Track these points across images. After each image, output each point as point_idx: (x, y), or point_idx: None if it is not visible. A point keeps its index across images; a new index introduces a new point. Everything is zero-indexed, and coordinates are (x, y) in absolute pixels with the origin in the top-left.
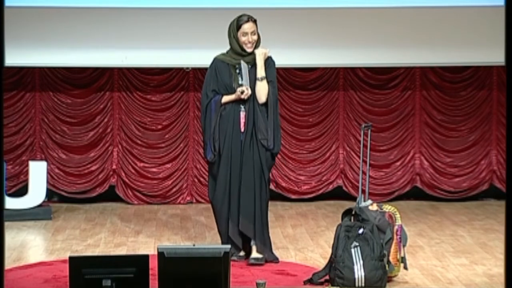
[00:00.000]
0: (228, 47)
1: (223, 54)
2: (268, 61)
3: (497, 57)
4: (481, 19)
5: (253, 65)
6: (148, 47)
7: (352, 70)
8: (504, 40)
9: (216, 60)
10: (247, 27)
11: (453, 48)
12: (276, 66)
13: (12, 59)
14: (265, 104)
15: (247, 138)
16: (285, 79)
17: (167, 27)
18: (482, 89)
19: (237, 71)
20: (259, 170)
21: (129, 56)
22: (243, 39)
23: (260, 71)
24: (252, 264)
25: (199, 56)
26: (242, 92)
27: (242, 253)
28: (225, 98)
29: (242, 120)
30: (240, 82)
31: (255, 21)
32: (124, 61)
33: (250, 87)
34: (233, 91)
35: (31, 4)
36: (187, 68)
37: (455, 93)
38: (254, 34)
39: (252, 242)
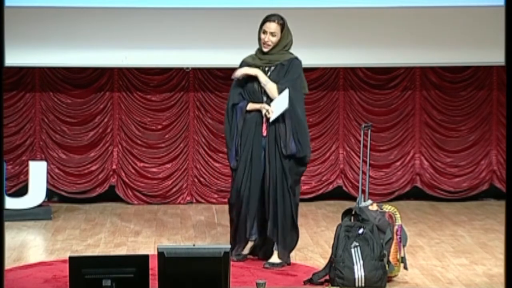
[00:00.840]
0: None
1: (251, 56)
2: (291, 63)
3: (497, 57)
4: (481, 19)
5: (275, 66)
6: (148, 47)
7: (352, 70)
8: (504, 40)
9: (243, 62)
10: (268, 26)
11: (453, 48)
12: None
13: (12, 59)
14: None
15: (271, 143)
16: None
17: (167, 27)
18: (482, 89)
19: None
20: (280, 176)
21: (129, 56)
22: (262, 36)
23: (261, 79)
24: (267, 268)
25: (199, 56)
26: (267, 111)
27: (246, 251)
28: (250, 106)
29: (264, 125)
30: (262, 85)
31: (282, 24)
32: (124, 61)
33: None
34: (255, 94)
35: (31, 4)
36: (187, 68)
37: (455, 93)
38: (274, 35)
39: (275, 247)
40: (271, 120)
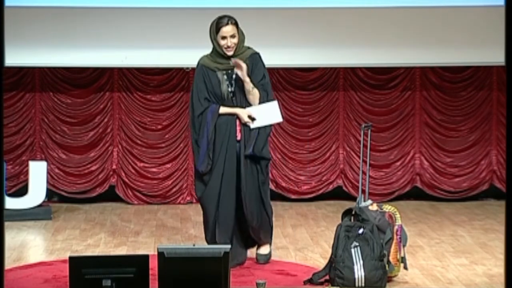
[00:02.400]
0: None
1: (207, 57)
2: (254, 59)
3: (497, 57)
4: (481, 19)
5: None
6: (148, 47)
7: (352, 70)
8: (504, 40)
9: (202, 66)
10: (226, 30)
11: (453, 48)
12: (276, 66)
13: (12, 59)
14: None
15: (246, 147)
16: (285, 79)
17: (167, 27)
18: (482, 89)
19: (225, 77)
20: (256, 179)
21: (129, 56)
22: (222, 42)
23: (247, 86)
24: (260, 263)
25: (199, 56)
26: (250, 118)
27: None
28: (223, 110)
29: (238, 128)
30: (230, 89)
31: (235, 23)
32: (124, 61)
33: (237, 90)
34: (223, 99)
35: (31, 4)
36: (187, 68)
37: (455, 93)
38: (234, 37)
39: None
40: (252, 127)
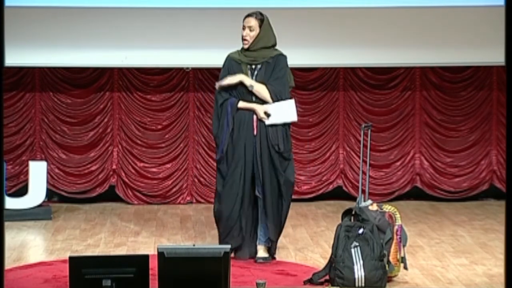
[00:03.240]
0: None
1: (236, 51)
2: (278, 59)
3: (497, 57)
4: (481, 19)
5: (262, 64)
6: (148, 47)
7: (352, 70)
8: (504, 40)
9: (228, 58)
10: (246, 21)
11: (453, 48)
12: None
13: (12, 59)
14: None
15: (262, 143)
16: None
17: (167, 27)
18: (482, 89)
19: (248, 71)
20: (271, 174)
21: (129, 56)
22: (242, 33)
23: (247, 82)
24: (259, 263)
25: (199, 56)
26: (264, 113)
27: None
28: (242, 104)
29: (255, 123)
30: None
31: (260, 19)
32: (124, 61)
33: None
34: (245, 96)
35: (31, 4)
36: (187, 68)
37: (455, 93)
38: (252, 30)
39: (259, 242)
40: (267, 123)
